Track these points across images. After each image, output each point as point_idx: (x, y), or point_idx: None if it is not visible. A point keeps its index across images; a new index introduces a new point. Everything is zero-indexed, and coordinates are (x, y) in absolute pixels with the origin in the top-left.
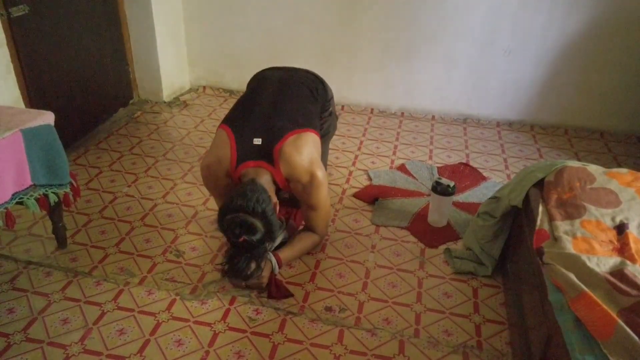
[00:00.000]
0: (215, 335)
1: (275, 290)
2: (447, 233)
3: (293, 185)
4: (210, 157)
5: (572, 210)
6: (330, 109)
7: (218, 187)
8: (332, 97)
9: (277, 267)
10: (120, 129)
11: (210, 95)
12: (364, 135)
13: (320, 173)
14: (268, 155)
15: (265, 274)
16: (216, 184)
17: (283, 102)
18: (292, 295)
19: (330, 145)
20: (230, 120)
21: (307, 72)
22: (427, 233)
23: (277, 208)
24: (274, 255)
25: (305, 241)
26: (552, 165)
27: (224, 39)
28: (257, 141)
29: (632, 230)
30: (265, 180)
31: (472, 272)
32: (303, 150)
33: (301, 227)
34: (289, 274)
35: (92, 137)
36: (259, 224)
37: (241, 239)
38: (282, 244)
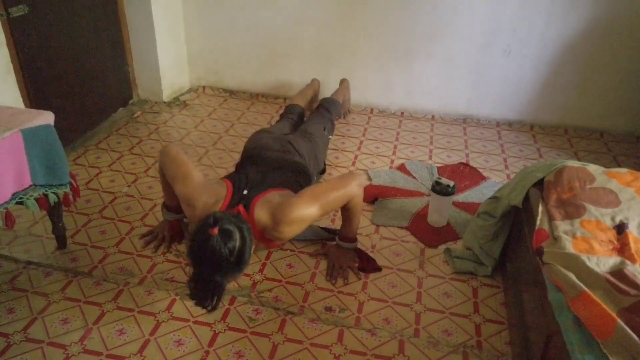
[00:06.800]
0: (215, 335)
1: (367, 264)
2: (447, 233)
3: (269, 235)
4: (207, 188)
5: (572, 210)
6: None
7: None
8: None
9: (355, 244)
10: (120, 129)
11: (210, 95)
12: (363, 135)
13: (286, 222)
14: (247, 204)
15: (350, 258)
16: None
17: (272, 178)
18: (380, 269)
19: (330, 145)
20: (231, 179)
21: (295, 163)
22: (427, 233)
23: (254, 249)
24: (343, 239)
25: (350, 210)
26: (552, 165)
27: (224, 39)
28: (245, 192)
29: (631, 230)
30: None
31: (472, 272)
32: (274, 207)
33: None
34: (289, 274)
35: (91, 137)
36: (237, 235)
37: (214, 231)
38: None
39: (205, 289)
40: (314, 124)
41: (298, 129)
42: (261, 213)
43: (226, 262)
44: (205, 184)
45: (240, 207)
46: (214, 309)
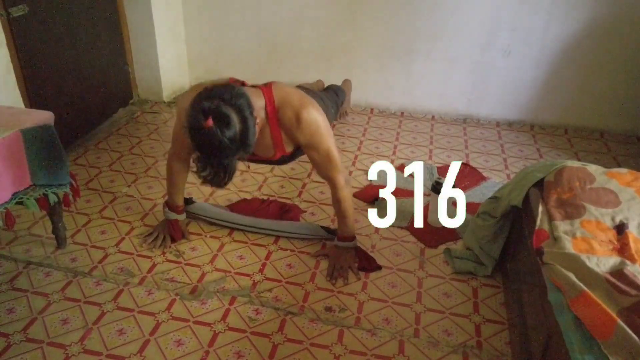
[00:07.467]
0: (215, 335)
1: (367, 263)
2: (447, 233)
3: (282, 114)
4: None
5: (572, 210)
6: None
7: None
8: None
9: (354, 242)
10: (120, 129)
11: None
12: (363, 135)
13: (308, 111)
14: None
15: (350, 258)
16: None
17: None
18: (380, 268)
19: None
20: None
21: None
22: (427, 233)
23: (258, 128)
24: (341, 239)
25: (340, 206)
26: (552, 165)
27: (224, 38)
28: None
29: (631, 230)
30: (257, 99)
31: (471, 272)
32: (296, 89)
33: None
34: (289, 274)
35: (91, 137)
36: (234, 117)
37: (208, 123)
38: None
39: (217, 172)
40: (323, 96)
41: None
42: (286, 90)
43: (230, 148)
44: None
45: (257, 85)
46: (227, 183)
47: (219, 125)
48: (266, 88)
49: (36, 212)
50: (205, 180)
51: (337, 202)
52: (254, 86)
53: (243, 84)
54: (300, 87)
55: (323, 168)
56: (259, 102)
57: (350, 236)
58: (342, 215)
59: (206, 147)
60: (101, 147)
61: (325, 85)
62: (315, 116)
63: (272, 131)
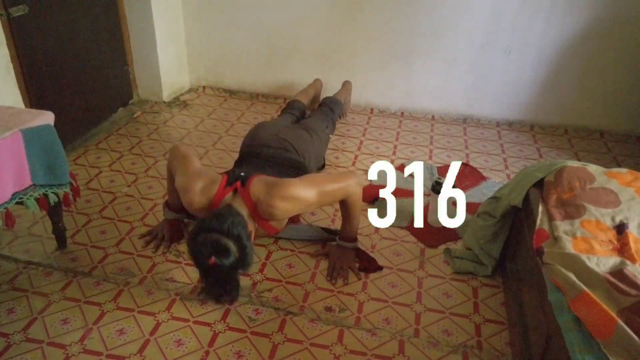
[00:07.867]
0: (215, 335)
1: (368, 264)
2: (447, 233)
3: (260, 210)
4: (204, 173)
5: (572, 210)
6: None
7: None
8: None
9: (355, 244)
10: (120, 129)
11: (210, 95)
12: (363, 135)
13: (276, 201)
14: (244, 181)
15: (351, 258)
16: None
17: (270, 172)
18: (381, 268)
19: (330, 145)
20: (227, 172)
21: (293, 160)
22: (427, 233)
23: (253, 236)
24: (343, 239)
25: (348, 209)
26: (552, 165)
27: (224, 38)
28: (242, 173)
29: (632, 230)
30: (242, 208)
31: (471, 272)
32: (264, 181)
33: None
34: (289, 274)
35: (92, 137)
36: (232, 246)
37: (211, 261)
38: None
39: (222, 290)
40: (316, 120)
41: (300, 123)
42: (257, 186)
43: (231, 272)
44: (203, 170)
45: (237, 183)
46: (234, 297)
47: (219, 258)
48: (245, 191)
49: (36, 212)
50: (217, 299)
51: (345, 205)
52: (230, 186)
53: (229, 174)
54: (294, 101)
55: (331, 201)
56: (246, 213)
57: (352, 237)
58: (348, 216)
59: (210, 275)
60: (101, 147)
61: (321, 100)
62: (286, 195)
63: (262, 225)
